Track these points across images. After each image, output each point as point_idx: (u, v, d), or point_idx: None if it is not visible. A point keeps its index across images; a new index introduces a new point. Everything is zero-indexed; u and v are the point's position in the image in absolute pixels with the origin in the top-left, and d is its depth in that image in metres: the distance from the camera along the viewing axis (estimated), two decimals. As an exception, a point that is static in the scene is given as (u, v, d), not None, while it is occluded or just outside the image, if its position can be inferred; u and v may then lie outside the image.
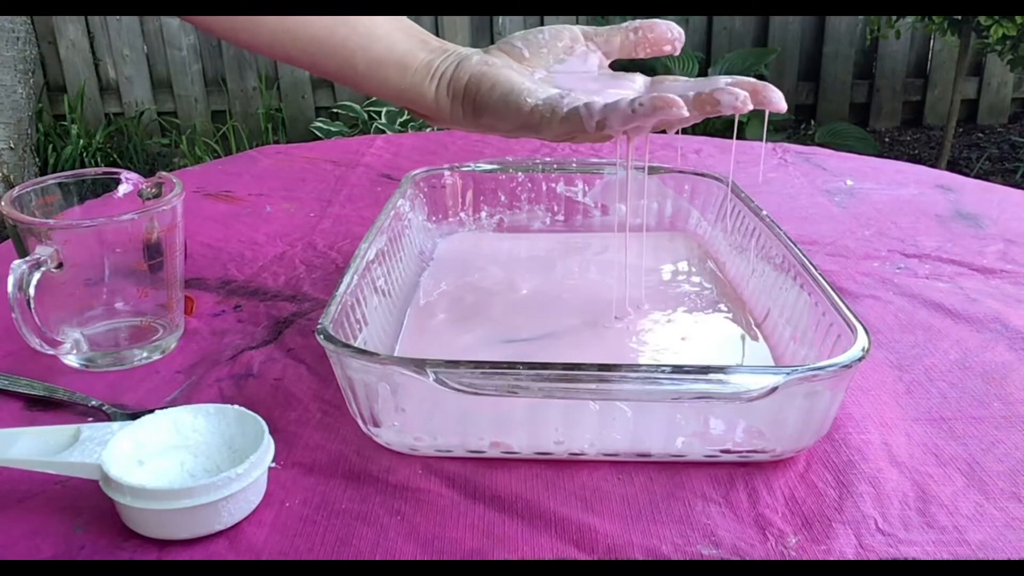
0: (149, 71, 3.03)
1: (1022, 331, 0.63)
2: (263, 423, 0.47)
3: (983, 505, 0.46)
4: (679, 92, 0.51)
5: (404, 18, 0.60)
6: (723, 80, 0.52)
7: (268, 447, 0.46)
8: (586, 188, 0.78)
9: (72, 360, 0.60)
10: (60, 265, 0.55)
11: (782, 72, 2.98)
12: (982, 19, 2.26)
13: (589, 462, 0.49)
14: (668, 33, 0.59)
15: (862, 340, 0.47)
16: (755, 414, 0.47)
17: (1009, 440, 0.51)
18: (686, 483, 0.48)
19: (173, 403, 0.55)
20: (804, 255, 0.58)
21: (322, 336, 0.48)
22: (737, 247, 0.68)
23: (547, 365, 0.46)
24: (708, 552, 0.43)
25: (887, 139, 3.02)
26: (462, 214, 0.78)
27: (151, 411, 0.48)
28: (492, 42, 0.60)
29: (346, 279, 0.54)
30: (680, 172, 0.77)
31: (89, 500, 0.46)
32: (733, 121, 0.49)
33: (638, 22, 0.60)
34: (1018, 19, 2.19)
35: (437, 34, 0.60)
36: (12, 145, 2.66)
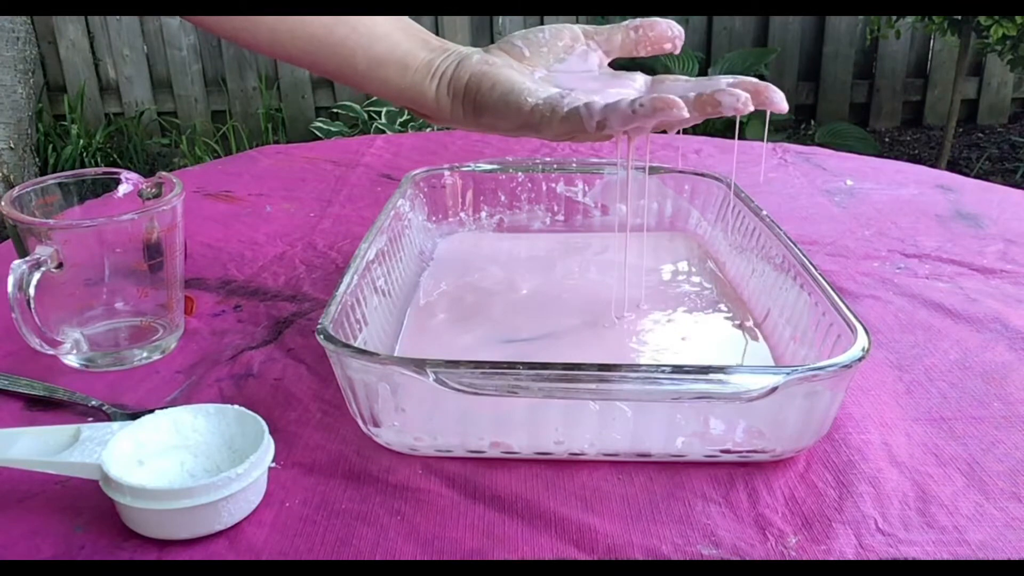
0: (149, 71, 3.03)
1: (1022, 331, 0.63)
2: (263, 423, 0.47)
3: (983, 505, 0.46)
4: (680, 92, 0.51)
5: (404, 17, 0.60)
6: (724, 80, 0.52)
7: (268, 447, 0.46)
8: (586, 188, 0.78)
9: (72, 360, 0.60)
10: (60, 265, 0.55)
11: (782, 72, 2.98)
12: (982, 19, 2.26)
13: (589, 462, 0.49)
14: (668, 31, 0.59)
15: (862, 340, 0.47)
16: (755, 414, 0.47)
17: (1009, 440, 0.51)
18: (686, 483, 0.48)
19: (173, 403, 0.55)
20: (804, 255, 0.58)
21: (322, 336, 0.48)
22: (737, 247, 0.68)
23: (547, 365, 0.46)
24: (708, 552, 0.43)
25: (887, 139, 3.02)
26: (462, 214, 0.78)
27: (151, 411, 0.48)
28: (492, 42, 0.60)
29: (346, 279, 0.54)
30: (680, 172, 0.77)
31: (89, 500, 0.46)
32: (734, 121, 0.50)
33: (638, 21, 0.60)
34: (1018, 19, 2.19)
35: (437, 34, 0.60)
36: (12, 145, 2.66)
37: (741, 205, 0.69)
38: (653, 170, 0.76)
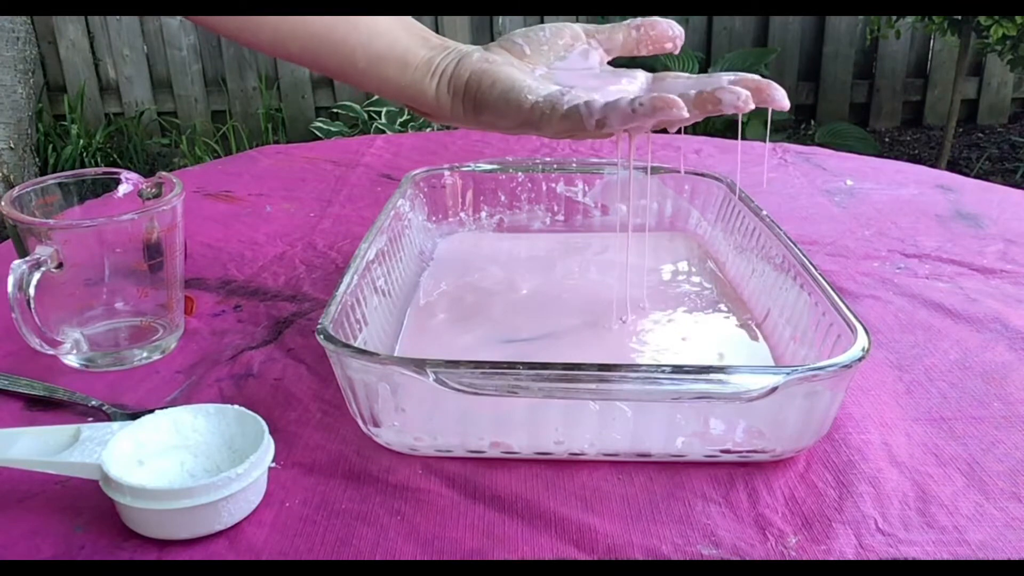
0: (149, 71, 3.03)
1: (1022, 331, 0.63)
2: (263, 423, 0.47)
3: (983, 505, 0.46)
4: (681, 90, 0.51)
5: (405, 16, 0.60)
6: (725, 77, 0.52)
7: (268, 447, 0.46)
8: (586, 188, 0.78)
9: (72, 360, 0.60)
10: (60, 265, 0.55)
11: (782, 72, 2.97)
12: (982, 19, 2.25)
13: (589, 462, 0.49)
14: (669, 31, 0.59)
15: (862, 340, 0.47)
16: (755, 414, 0.47)
17: (1009, 440, 0.51)
18: (686, 483, 0.48)
19: (173, 403, 0.55)
20: (804, 255, 0.58)
21: (322, 336, 0.48)
22: (737, 247, 0.68)
23: (547, 365, 0.46)
24: (708, 552, 0.43)
25: (887, 139, 3.02)
26: (462, 214, 0.78)
27: (151, 411, 0.48)
28: (492, 41, 0.60)
29: (346, 279, 0.54)
30: (680, 172, 0.77)
31: (89, 500, 0.46)
32: (734, 121, 0.50)
33: (639, 20, 0.60)
34: (1018, 19, 2.19)
35: (437, 33, 0.60)
36: (12, 145, 2.66)
37: (741, 205, 0.69)
38: (653, 170, 0.76)
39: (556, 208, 0.78)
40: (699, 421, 0.48)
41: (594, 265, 0.71)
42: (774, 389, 0.45)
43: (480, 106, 0.55)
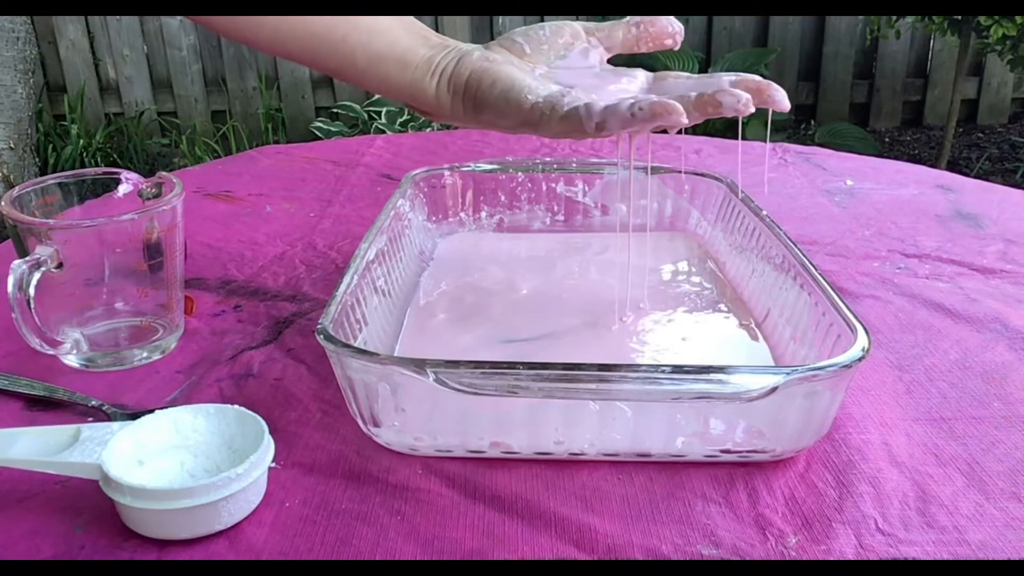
0: (149, 71, 3.03)
1: (1022, 331, 0.63)
2: (263, 423, 0.47)
3: (983, 505, 0.46)
4: (681, 90, 0.51)
5: None
6: (726, 78, 0.52)
7: (268, 447, 0.46)
8: (586, 188, 0.78)
9: (72, 360, 0.60)
10: (60, 265, 0.55)
11: (782, 72, 2.97)
12: (982, 19, 2.25)
13: (589, 462, 0.49)
14: (669, 27, 0.59)
15: (862, 340, 0.47)
16: (755, 414, 0.47)
17: (1009, 440, 0.51)
18: (686, 483, 0.48)
19: (173, 403, 0.55)
20: (804, 255, 0.58)
21: (322, 336, 0.48)
22: (737, 247, 0.68)
23: (547, 365, 0.46)
24: (708, 552, 0.43)
25: (887, 139, 3.02)
26: (462, 214, 0.78)
27: (151, 411, 0.48)
28: (492, 40, 0.60)
29: (346, 279, 0.54)
30: (680, 172, 0.77)
31: (89, 500, 0.46)
32: (734, 121, 0.49)
33: (639, 17, 0.60)
34: (1018, 19, 2.19)
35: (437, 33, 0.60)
36: (12, 145, 2.66)
37: (741, 205, 0.69)
38: (653, 170, 0.76)
39: (556, 208, 0.78)
40: (699, 421, 0.48)
41: (594, 265, 0.71)
42: (774, 389, 0.45)
43: (480, 105, 0.55)
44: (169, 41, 2.97)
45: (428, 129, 2.45)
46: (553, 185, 0.78)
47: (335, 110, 2.94)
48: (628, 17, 0.60)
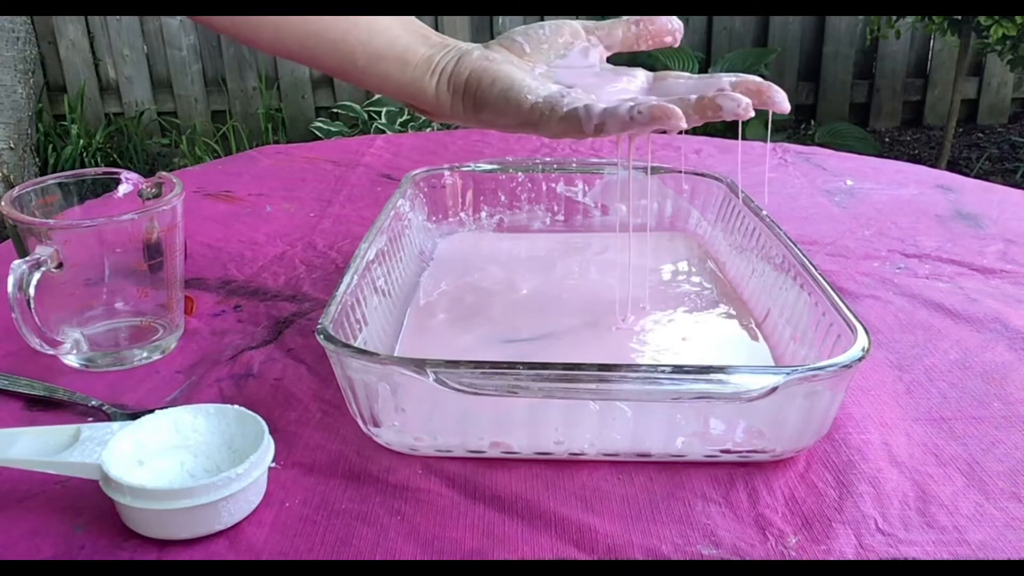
0: (149, 71, 3.03)
1: (1022, 331, 0.63)
2: (263, 423, 0.47)
3: (983, 505, 0.46)
4: (681, 90, 0.51)
5: None
6: (726, 78, 0.52)
7: (268, 447, 0.46)
8: (586, 188, 0.78)
9: (72, 360, 0.60)
10: (60, 265, 0.55)
11: (782, 72, 2.98)
12: (982, 19, 2.25)
13: (589, 462, 0.49)
14: (668, 25, 0.59)
15: (862, 340, 0.47)
16: (755, 414, 0.47)
17: (1009, 440, 0.51)
18: (686, 483, 0.48)
19: (173, 403, 0.55)
20: (804, 255, 0.58)
21: (322, 336, 0.48)
22: (737, 247, 0.68)
23: (547, 365, 0.46)
24: (708, 552, 0.43)
25: (887, 139, 3.02)
26: (462, 214, 0.78)
27: (151, 411, 0.48)
28: (492, 40, 0.60)
29: (346, 279, 0.54)
30: (680, 172, 0.77)
31: (89, 500, 0.46)
32: (735, 121, 0.49)
33: (638, 16, 0.60)
34: (1018, 19, 2.19)
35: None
36: (12, 145, 2.66)
37: (741, 205, 0.69)
38: (653, 170, 0.76)
39: (556, 208, 0.78)
40: (699, 421, 0.48)
41: (594, 265, 0.71)
42: (774, 389, 0.45)
43: (479, 104, 0.55)
44: (169, 41, 2.97)
45: (428, 129, 2.46)
46: (553, 185, 0.78)
47: (335, 110, 2.94)
48: (628, 17, 0.60)
